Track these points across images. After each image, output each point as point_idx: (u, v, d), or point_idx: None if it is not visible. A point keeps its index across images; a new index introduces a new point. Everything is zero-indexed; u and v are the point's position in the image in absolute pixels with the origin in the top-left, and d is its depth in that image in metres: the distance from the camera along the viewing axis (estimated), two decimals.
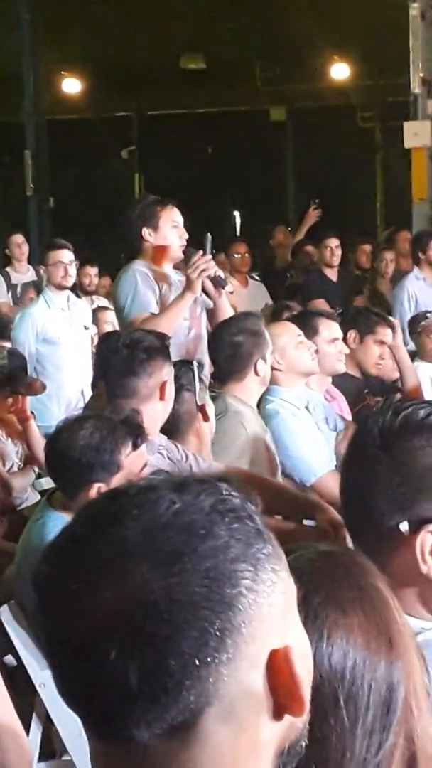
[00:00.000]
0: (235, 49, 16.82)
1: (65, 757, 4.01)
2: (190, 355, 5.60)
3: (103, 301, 10.22)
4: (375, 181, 20.61)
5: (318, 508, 4.33)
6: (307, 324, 5.88)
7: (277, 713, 1.13)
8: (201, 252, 5.64)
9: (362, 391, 6.37)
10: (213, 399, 4.89)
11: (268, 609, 1.11)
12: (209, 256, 5.66)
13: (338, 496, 2.02)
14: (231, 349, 5.03)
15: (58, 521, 3.68)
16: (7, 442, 6.03)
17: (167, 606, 1.06)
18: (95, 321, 8.75)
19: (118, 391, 4.32)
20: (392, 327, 6.55)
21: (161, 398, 4.30)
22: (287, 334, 5.38)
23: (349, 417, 5.89)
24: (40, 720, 4.04)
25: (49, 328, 7.81)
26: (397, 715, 1.39)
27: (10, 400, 5.99)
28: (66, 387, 7.69)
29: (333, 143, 19.71)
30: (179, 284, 5.78)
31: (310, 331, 5.81)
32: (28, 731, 3.86)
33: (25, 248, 10.96)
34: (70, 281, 8.04)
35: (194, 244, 5.87)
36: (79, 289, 9.77)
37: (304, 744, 1.18)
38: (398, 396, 6.11)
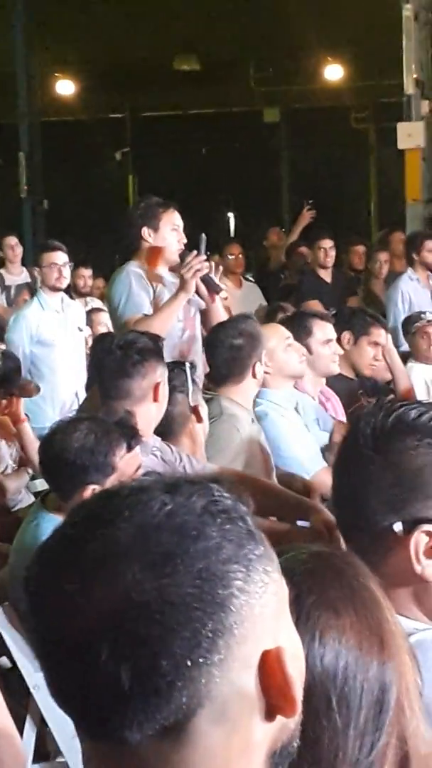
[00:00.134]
0: (229, 50, 16.83)
1: (59, 759, 4.01)
2: (183, 356, 5.60)
3: (97, 303, 10.22)
4: (369, 182, 20.62)
5: (312, 509, 4.32)
6: (301, 325, 5.88)
7: (270, 714, 1.13)
8: (195, 252, 5.65)
9: (356, 391, 6.37)
10: (207, 401, 4.89)
11: (260, 610, 1.11)
12: (203, 257, 5.66)
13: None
14: (231, 351, 5.02)
15: (51, 523, 3.67)
16: (1, 444, 6.02)
17: (159, 607, 1.06)
18: (89, 323, 8.75)
19: (111, 393, 4.32)
20: (386, 328, 6.56)
21: (155, 399, 4.30)
22: (276, 336, 5.37)
23: (343, 418, 5.90)
24: (34, 722, 4.03)
25: (44, 330, 7.81)
26: (389, 716, 1.39)
27: (4, 402, 5.99)
28: (60, 389, 7.69)
29: (327, 144, 19.73)
30: (173, 286, 5.78)
31: (304, 332, 5.81)
32: (22, 733, 3.86)
33: (19, 250, 10.95)
34: (65, 283, 8.04)
35: (189, 245, 5.88)
36: (73, 291, 9.77)
37: (296, 745, 1.18)
38: (391, 397, 6.12)
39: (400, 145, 11.55)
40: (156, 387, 4.30)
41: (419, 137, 11.43)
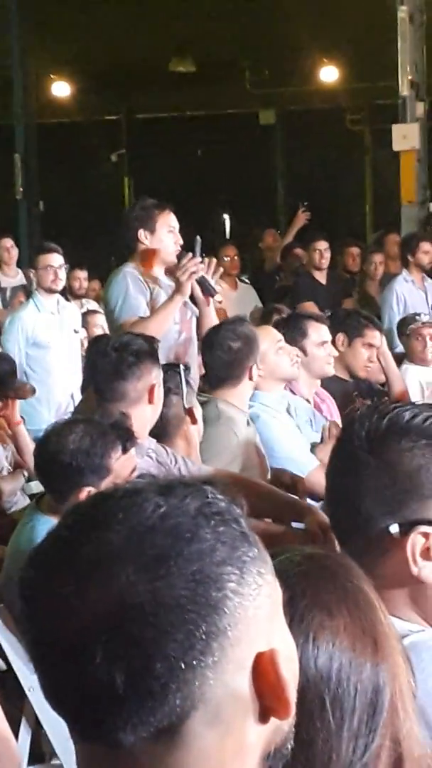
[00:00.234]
0: (225, 52, 16.83)
1: (54, 761, 4.01)
2: (179, 358, 5.60)
3: (92, 305, 10.22)
4: (364, 184, 20.62)
5: (306, 510, 4.32)
6: (296, 327, 5.88)
7: (263, 716, 1.13)
8: (190, 254, 5.65)
9: (351, 393, 6.38)
10: (203, 403, 4.89)
11: (254, 612, 1.12)
12: (199, 259, 5.67)
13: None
14: (229, 354, 5.02)
15: (46, 525, 3.67)
16: None
17: (153, 609, 1.06)
18: (85, 324, 8.75)
19: (107, 395, 4.32)
20: (380, 330, 6.56)
21: (150, 401, 4.30)
22: (268, 339, 5.36)
23: (338, 419, 5.90)
24: (29, 724, 4.03)
25: (39, 332, 7.80)
26: (383, 717, 1.39)
27: None
28: (56, 391, 7.69)
29: (322, 146, 19.73)
30: (170, 288, 5.78)
31: (299, 334, 5.82)
32: (17, 735, 3.86)
33: (14, 252, 10.94)
34: (60, 285, 8.04)
35: (185, 246, 5.88)
36: (68, 293, 9.77)
37: (290, 747, 1.19)
38: (385, 399, 6.12)
39: (395, 147, 11.56)
40: (151, 389, 4.30)
41: (414, 139, 11.44)
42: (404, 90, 11.51)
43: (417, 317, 7.47)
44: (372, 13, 12.99)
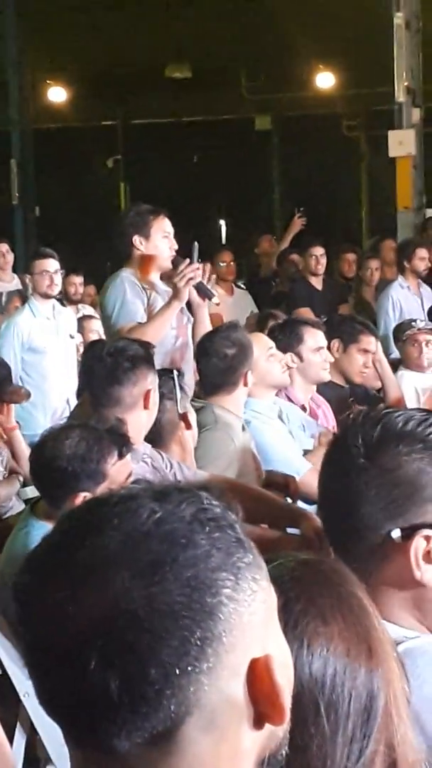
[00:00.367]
0: (221, 57, 16.84)
1: (49, 767, 4.01)
2: (176, 363, 5.60)
3: (88, 310, 10.21)
4: (360, 190, 20.64)
5: (302, 516, 4.32)
6: (292, 332, 5.88)
7: (258, 722, 1.13)
8: (188, 260, 5.65)
9: (347, 399, 6.38)
10: (198, 409, 4.89)
11: (249, 618, 1.12)
12: (196, 265, 5.67)
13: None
14: (224, 362, 5.02)
15: (41, 530, 3.67)
16: None
17: (148, 615, 1.06)
18: (81, 330, 8.74)
19: (102, 400, 4.31)
20: (376, 336, 6.56)
21: (145, 407, 4.30)
22: (259, 346, 5.35)
23: (334, 425, 5.90)
24: (24, 729, 4.02)
25: (35, 337, 7.80)
26: (377, 723, 1.39)
27: None
28: (51, 396, 7.68)
29: (318, 152, 19.74)
30: (166, 294, 5.78)
31: (295, 340, 5.82)
32: (12, 740, 3.86)
33: (10, 257, 10.94)
34: (56, 290, 8.04)
35: (181, 252, 5.88)
36: (64, 298, 9.77)
37: (284, 752, 1.19)
38: (381, 406, 6.11)
39: (391, 153, 11.57)
40: (146, 394, 4.30)
41: (410, 145, 11.45)
42: (400, 96, 11.53)
43: (413, 323, 7.47)
44: (368, 19, 13.00)
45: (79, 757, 1.13)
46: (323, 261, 10.39)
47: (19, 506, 5.69)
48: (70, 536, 1.13)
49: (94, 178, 21.36)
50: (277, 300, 10.56)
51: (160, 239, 5.90)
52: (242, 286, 11.68)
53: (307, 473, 5.03)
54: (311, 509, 4.40)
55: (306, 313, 8.95)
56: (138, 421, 4.26)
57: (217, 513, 1.13)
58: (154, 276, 5.94)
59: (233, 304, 10.35)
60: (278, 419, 5.44)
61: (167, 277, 6.02)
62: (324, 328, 6.19)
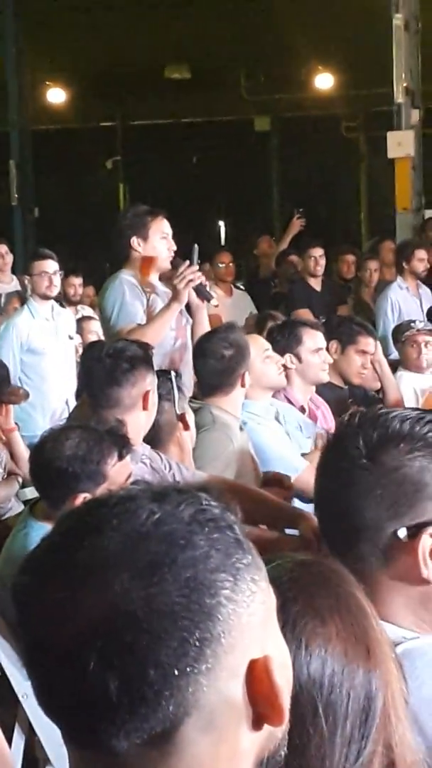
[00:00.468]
0: (220, 58, 16.84)
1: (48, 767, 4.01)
2: (175, 364, 5.60)
3: (87, 311, 10.21)
4: (359, 191, 20.64)
5: (301, 517, 4.32)
6: (291, 333, 5.88)
7: (257, 723, 1.14)
8: (188, 262, 5.65)
9: (346, 400, 6.37)
10: (196, 410, 4.89)
11: (248, 619, 1.12)
12: (196, 266, 5.66)
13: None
14: (222, 363, 5.01)
15: (40, 531, 3.67)
16: None
17: (147, 616, 1.06)
18: (80, 331, 8.74)
19: (101, 401, 4.31)
20: (374, 337, 6.56)
21: (144, 408, 4.30)
22: (255, 347, 5.34)
23: (334, 426, 5.90)
24: (23, 730, 4.02)
25: (34, 338, 7.80)
26: (375, 723, 1.40)
27: None
28: (51, 397, 7.68)
29: (317, 153, 19.76)
30: (166, 295, 5.78)
31: (293, 341, 5.81)
32: (10, 741, 3.86)
33: (9, 258, 10.93)
34: (55, 291, 8.04)
35: (180, 253, 5.88)
36: (63, 299, 9.76)
37: (283, 753, 1.19)
38: (378, 407, 6.11)
39: (390, 154, 11.57)
40: (145, 395, 4.30)
41: (409, 146, 11.45)
42: (399, 97, 11.53)
43: (412, 324, 7.47)
44: (367, 20, 13.01)
45: (78, 758, 1.13)
46: (322, 262, 10.38)
47: (18, 507, 5.70)
48: (69, 537, 1.13)
49: (93, 179, 21.36)
50: (276, 301, 10.57)
51: (158, 240, 5.89)
52: (241, 287, 11.68)
53: (305, 470, 5.03)
54: (308, 508, 4.40)
55: (305, 314, 8.94)
56: (137, 422, 4.26)
57: (216, 514, 1.13)
58: (153, 277, 5.94)
59: (232, 305, 10.35)
60: (275, 420, 5.44)
61: (166, 278, 6.02)
62: (323, 329, 6.19)
